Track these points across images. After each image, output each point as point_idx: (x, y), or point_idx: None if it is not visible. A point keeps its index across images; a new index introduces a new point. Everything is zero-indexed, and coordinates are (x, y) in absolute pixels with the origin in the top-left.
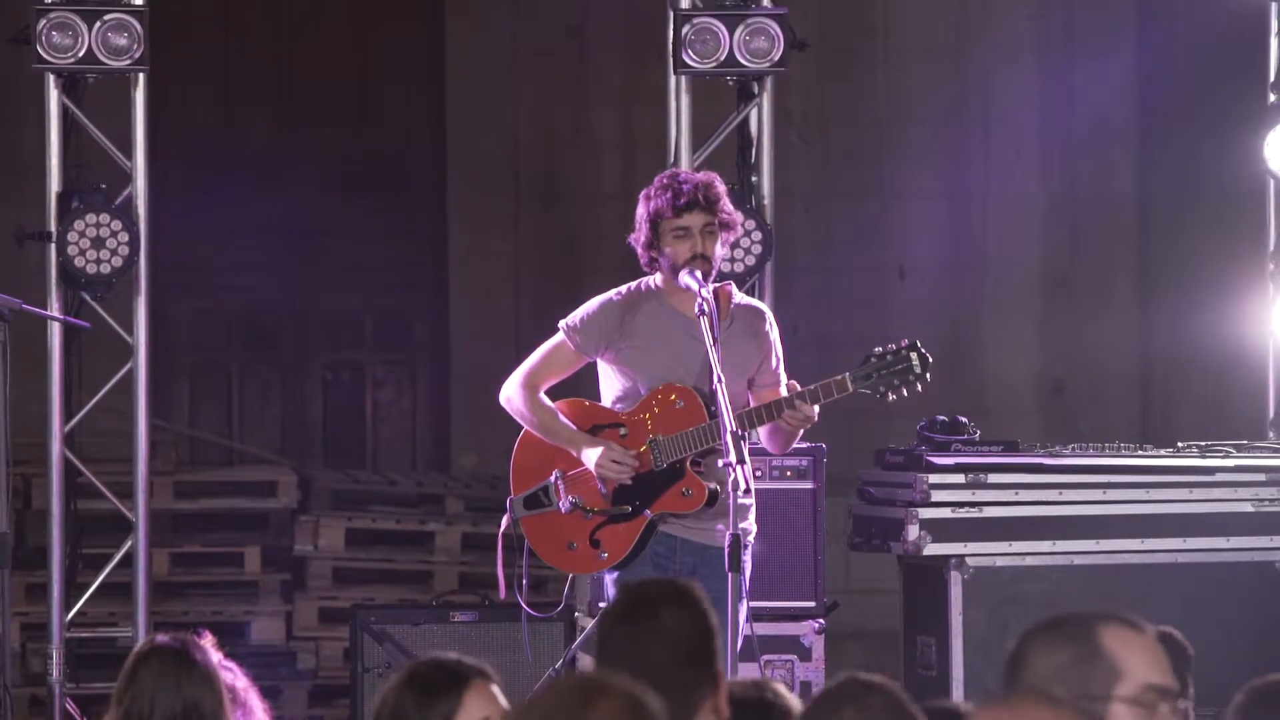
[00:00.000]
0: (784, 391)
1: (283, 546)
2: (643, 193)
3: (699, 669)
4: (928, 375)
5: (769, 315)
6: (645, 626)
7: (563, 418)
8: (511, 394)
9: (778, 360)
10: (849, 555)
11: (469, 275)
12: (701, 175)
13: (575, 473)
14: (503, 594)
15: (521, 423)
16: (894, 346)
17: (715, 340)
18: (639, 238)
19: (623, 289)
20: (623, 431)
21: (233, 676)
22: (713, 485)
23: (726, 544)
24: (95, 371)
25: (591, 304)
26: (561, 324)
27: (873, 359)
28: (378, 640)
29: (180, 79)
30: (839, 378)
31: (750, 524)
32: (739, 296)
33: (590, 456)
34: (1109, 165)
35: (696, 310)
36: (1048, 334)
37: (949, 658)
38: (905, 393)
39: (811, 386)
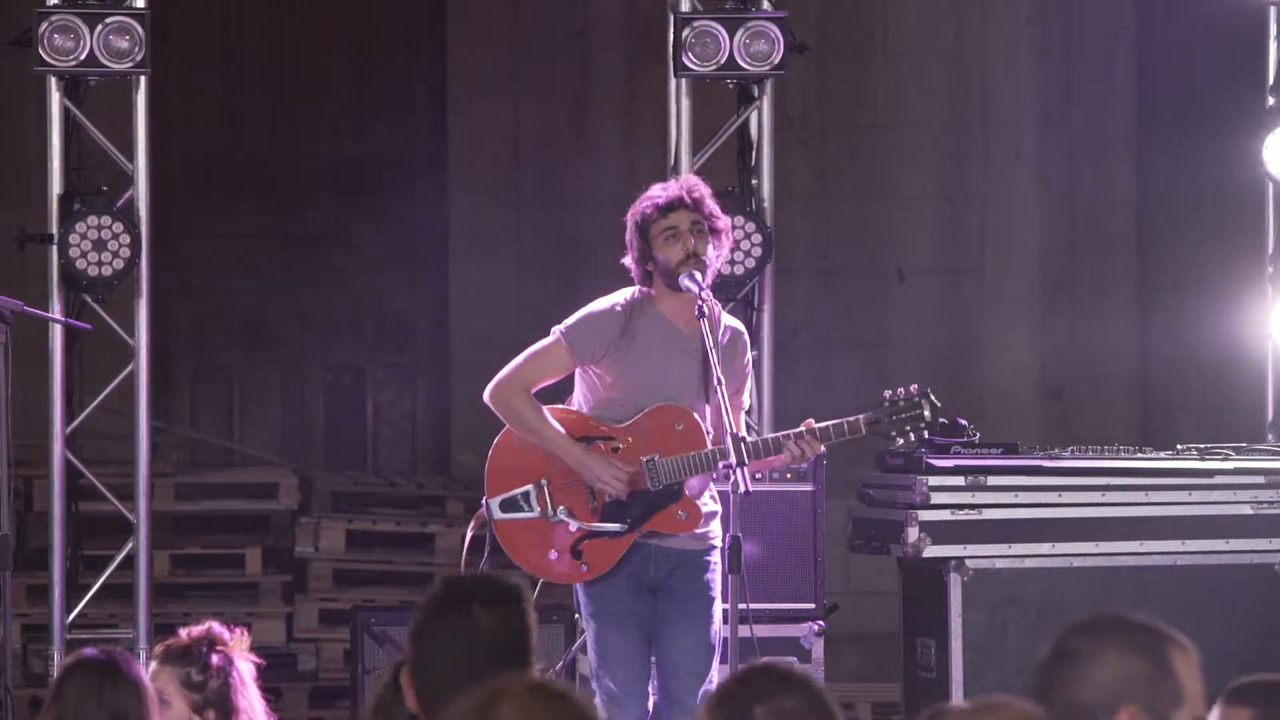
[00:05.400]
0: (741, 420)
1: (283, 548)
2: (628, 213)
3: (512, 667)
4: (937, 423)
5: (746, 339)
6: (460, 622)
7: (557, 424)
8: (502, 394)
9: (739, 388)
10: (849, 557)
11: (470, 278)
12: (684, 177)
13: (563, 481)
14: None
15: (510, 424)
16: (904, 392)
17: (716, 343)
18: (632, 253)
19: (621, 298)
20: (616, 446)
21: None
22: (709, 509)
23: (726, 545)
24: (96, 373)
25: (590, 310)
26: (557, 328)
27: (886, 403)
28: (378, 642)
29: (181, 81)
30: (853, 420)
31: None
32: (725, 317)
33: (592, 468)
34: (1108, 168)
35: (696, 312)
36: (1047, 336)
37: (949, 660)
38: (913, 438)
39: (825, 426)
